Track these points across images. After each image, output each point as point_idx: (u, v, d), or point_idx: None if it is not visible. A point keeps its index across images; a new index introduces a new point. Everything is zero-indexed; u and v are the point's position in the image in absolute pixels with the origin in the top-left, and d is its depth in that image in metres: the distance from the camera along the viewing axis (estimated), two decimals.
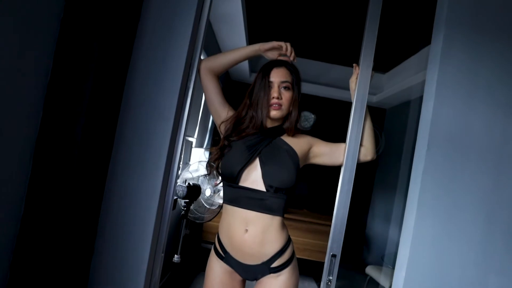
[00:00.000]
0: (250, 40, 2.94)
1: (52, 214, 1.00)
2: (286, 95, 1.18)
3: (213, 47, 2.81)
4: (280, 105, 1.17)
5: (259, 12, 2.82)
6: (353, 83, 1.27)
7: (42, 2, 0.92)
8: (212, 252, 1.23)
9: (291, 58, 1.24)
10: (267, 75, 1.18)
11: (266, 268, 1.14)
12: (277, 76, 1.18)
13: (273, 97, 1.16)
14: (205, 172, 2.20)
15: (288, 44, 1.24)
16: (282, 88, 1.18)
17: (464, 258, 1.23)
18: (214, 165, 1.23)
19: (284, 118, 1.22)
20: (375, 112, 4.29)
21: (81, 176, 1.04)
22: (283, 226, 1.17)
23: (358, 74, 1.24)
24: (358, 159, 1.22)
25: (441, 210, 1.23)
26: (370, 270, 2.64)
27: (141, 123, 1.19)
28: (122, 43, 1.14)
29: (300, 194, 4.18)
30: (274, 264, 1.14)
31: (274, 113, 1.17)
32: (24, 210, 0.98)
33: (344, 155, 1.22)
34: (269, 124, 1.22)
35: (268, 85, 1.18)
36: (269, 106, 1.17)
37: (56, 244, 1.01)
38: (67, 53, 1.01)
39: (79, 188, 1.04)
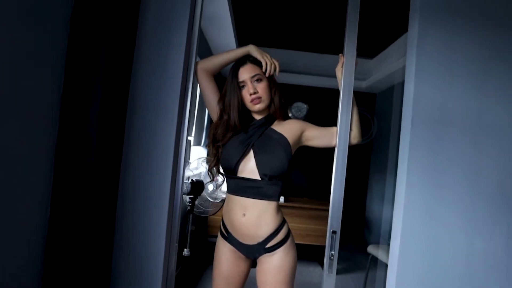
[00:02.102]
0: (239, 38, 3.00)
1: (75, 215, 1.09)
2: (261, 86, 1.25)
3: (204, 48, 2.87)
4: (259, 97, 1.24)
5: (246, 9, 2.88)
6: (339, 72, 1.34)
7: (49, 19, 1.00)
8: (219, 234, 1.35)
9: (267, 74, 1.26)
10: (236, 76, 1.25)
11: (261, 248, 1.24)
12: (246, 73, 1.25)
13: (250, 94, 1.24)
14: (205, 170, 2.31)
15: (269, 64, 1.25)
16: (255, 81, 1.25)
17: (452, 223, 1.33)
18: (215, 171, 1.33)
19: (269, 107, 1.29)
20: (365, 97, 4.37)
21: (97, 179, 1.13)
22: (278, 210, 1.26)
23: (343, 63, 1.31)
24: (349, 142, 1.31)
25: (428, 181, 1.32)
26: (371, 249, 2.74)
27: (147, 126, 1.26)
28: (124, 51, 1.21)
29: (301, 186, 4.31)
30: (269, 245, 1.23)
31: (257, 106, 1.25)
32: (51, 212, 1.07)
33: (335, 137, 1.30)
34: (258, 117, 1.31)
35: (238, 86, 1.25)
36: (250, 103, 1.25)
37: (80, 241, 1.10)
38: (75, 67, 1.09)
39: (96, 190, 1.13)
